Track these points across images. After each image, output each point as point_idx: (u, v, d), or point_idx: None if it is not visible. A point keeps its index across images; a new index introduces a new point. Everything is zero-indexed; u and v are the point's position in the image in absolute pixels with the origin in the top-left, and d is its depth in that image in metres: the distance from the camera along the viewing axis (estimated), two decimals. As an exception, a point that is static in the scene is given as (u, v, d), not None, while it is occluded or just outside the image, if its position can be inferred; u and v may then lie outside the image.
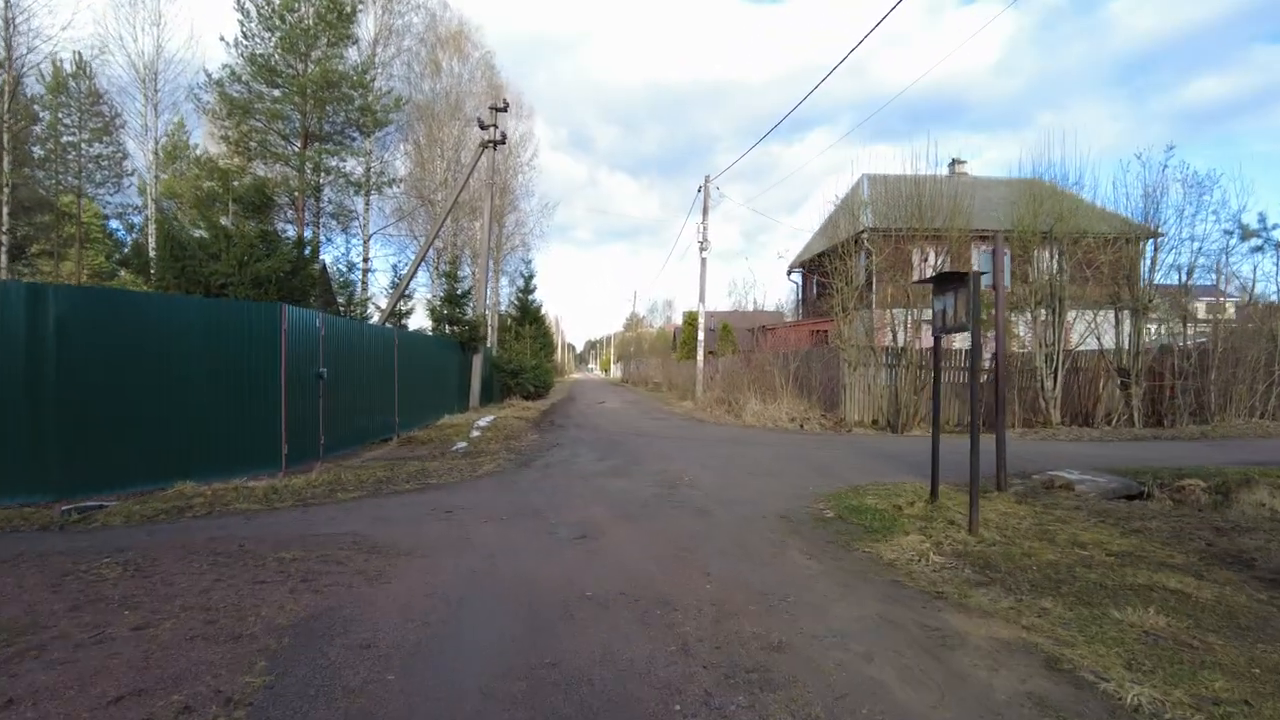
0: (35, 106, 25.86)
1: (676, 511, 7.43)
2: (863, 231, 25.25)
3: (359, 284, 30.44)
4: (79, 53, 26.00)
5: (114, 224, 29.77)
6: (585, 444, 13.99)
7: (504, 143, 24.22)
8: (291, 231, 24.08)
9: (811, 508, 7.60)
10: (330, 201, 27.17)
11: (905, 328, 19.29)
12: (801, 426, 17.76)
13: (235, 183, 21.05)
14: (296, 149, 23.17)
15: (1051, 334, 17.47)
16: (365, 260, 31.10)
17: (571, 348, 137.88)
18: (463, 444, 14.47)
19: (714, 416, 20.85)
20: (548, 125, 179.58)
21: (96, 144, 25.99)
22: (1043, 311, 17.67)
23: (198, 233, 18.43)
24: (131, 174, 26.86)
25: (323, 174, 24.39)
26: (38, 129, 25.17)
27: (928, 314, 18.92)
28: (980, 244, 21.78)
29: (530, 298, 47.18)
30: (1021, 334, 19.59)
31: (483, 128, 23.78)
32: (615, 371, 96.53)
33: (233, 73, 22.42)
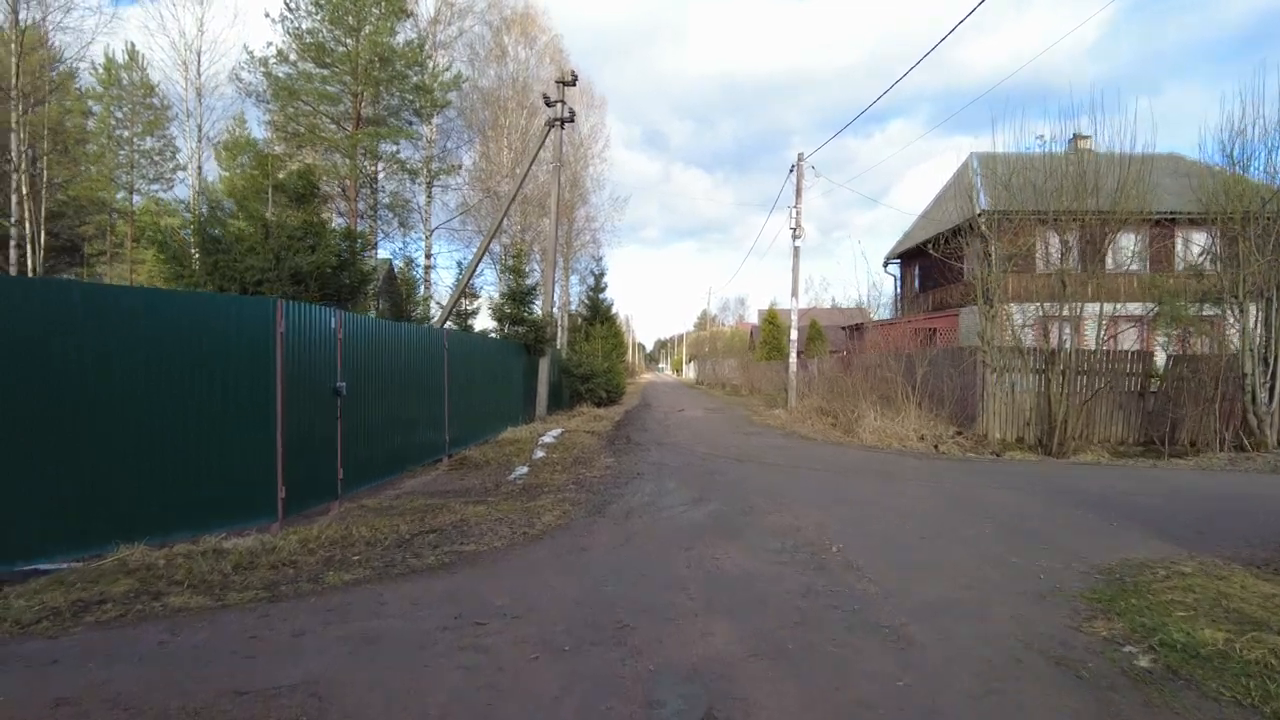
0: (88, 100, 24.64)
1: (850, 635, 4.48)
2: (980, 214, 21.80)
3: (420, 282, 28.47)
4: (131, 43, 24.68)
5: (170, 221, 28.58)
6: (672, 473, 11.14)
7: (572, 120, 21.63)
8: (343, 225, 22.11)
9: (1087, 632, 4.50)
10: (387, 192, 25.15)
11: (1058, 325, 15.83)
12: (936, 448, 14.51)
13: (281, 173, 19.19)
14: (347, 133, 21.14)
15: (1267, 332, 13.70)
16: (428, 257, 29.10)
17: (641, 347, 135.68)
18: (523, 469, 11.84)
19: (818, 431, 17.71)
20: (620, 123, 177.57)
21: (149, 138, 24.71)
22: (1253, 306, 13.92)
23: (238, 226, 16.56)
24: (184, 168, 25.56)
25: (377, 161, 22.31)
26: (89, 124, 23.89)
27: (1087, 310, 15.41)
28: (1142, 227, 18.02)
29: (601, 296, 44.66)
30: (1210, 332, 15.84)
31: (549, 104, 21.25)
32: (688, 372, 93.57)
33: (279, 52, 20.55)
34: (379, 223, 25.20)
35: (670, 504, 8.70)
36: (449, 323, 21.10)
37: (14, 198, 16.49)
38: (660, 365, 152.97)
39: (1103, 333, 15.62)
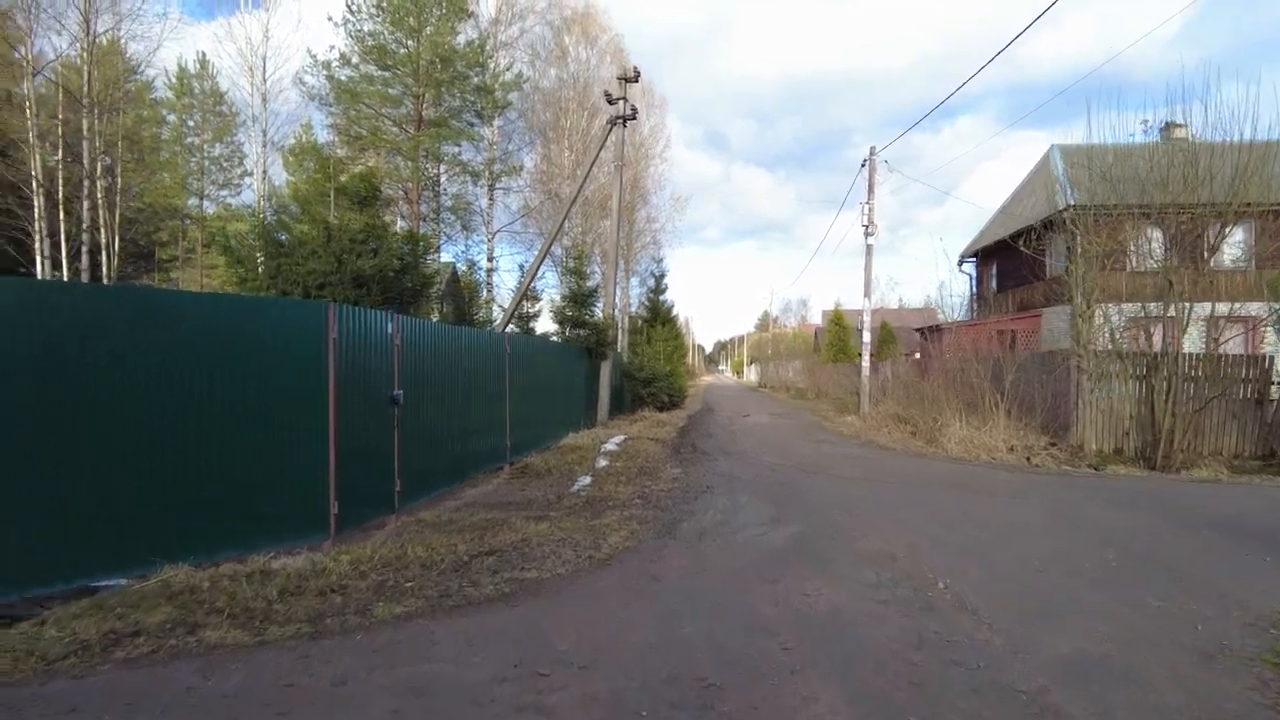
0: (162, 110, 25.23)
1: (983, 705, 3.71)
2: (1066, 209, 20.43)
3: (483, 285, 28.35)
4: (202, 52, 25.18)
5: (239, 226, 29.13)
6: (744, 487, 10.43)
7: (634, 117, 21.10)
8: (406, 228, 22.01)
9: None
10: (449, 195, 25.04)
11: (1160, 327, 14.54)
12: (1028, 460, 13.42)
13: (344, 176, 19.20)
14: (409, 135, 21.04)
15: None
16: (490, 260, 28.96)
17: (701, 349, 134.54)
18: (585, 480, 11.30)
19: (897, 440, 16.72)
20: (681, 123, 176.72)
21: (218, 144, 25.21)
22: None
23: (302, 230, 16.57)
24: (251, 173, 26.03)
25: (439, 163, 22.18)
26: (163, 132, 24.45)
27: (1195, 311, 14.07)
28: (1263, 218, 16.48)
29: (661, 298, 44.02)
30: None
31: (611, 101, 20.78)
32: (749, 374, 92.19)
33: (342, 55, 20.58)
34: (441, 226, 25.11)
35: (746, 524, 8.00)
36: (510, 326, 20.79)
37: (86, 203, 16.76)
38: (720, 367, 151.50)
39: (1212, 335, 14.28)
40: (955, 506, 9.14)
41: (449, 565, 6.24)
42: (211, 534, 6.22)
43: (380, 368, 8.07)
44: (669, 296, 39.12)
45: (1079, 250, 15.44)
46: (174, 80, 25.18)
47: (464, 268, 25.09)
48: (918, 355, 35.23)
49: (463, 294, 24.15)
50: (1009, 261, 26.88)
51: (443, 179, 23.52)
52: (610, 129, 20.76)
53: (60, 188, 16.80)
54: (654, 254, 44.55)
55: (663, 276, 45.44)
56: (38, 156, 16.42)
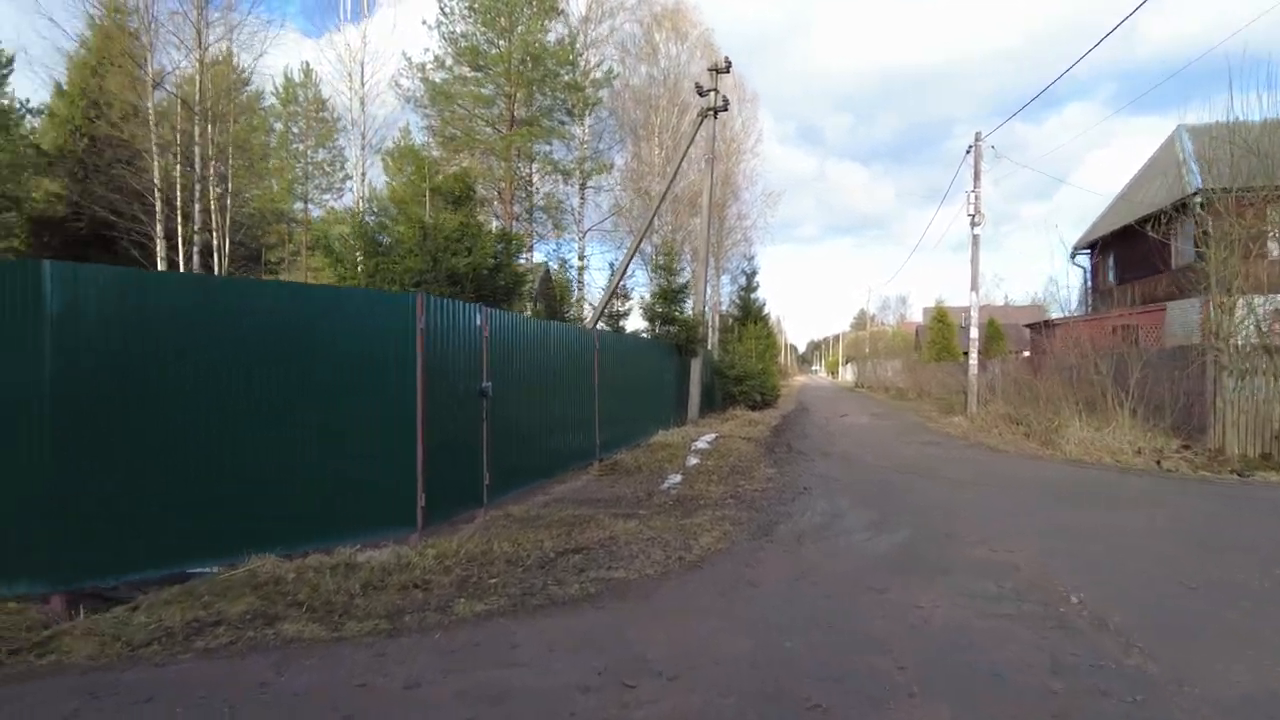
0: (270, 118, 26.45)
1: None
2: (1196, 193, 18.70)
3: (574, 283, 28.45)
4: (306, 62, 26.27)
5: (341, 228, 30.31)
6: (844, 490, 9.82)
7: (726, 109, 20.60)
8: (499, 227, 22.25)
9: None
10: (541, 194, 25.19)
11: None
12: (1159, 464, 12.20)
13: (439, 176, 19.55)
14: (502, 134, 21.25)
15: None
16: (581, 259, 29.02)
17: (794, 348, 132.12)
18: (676, 478, 10.94)
19: (1008, 442, 15.61)
20: (774, 120, 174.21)
21: (320, 150, 26.28)
22: None
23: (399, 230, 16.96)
24: (352, 177, 26.95)
25: (531, 162, 22.32)
26: (271, 140, 25.63)
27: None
28: None
29: (753, 296, 43.18)
30: None
31: (701, 93, 20.36)
32: (845, 374, 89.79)
33: (436, 58, 20.99)
34: (534, 225, 25.27)
35: (848, 528, 7.45)
36: (600, 324, 20.68)
37: (197, 206, 17.62)
38: (814, 367, 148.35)
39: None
40: (1080, 512, 8.28)
41: (534, 562, 5.99)
42: (299, 525, 6.18)
43: (468, 360, 7.94)
44: (760, 294, 38.35)
45: (1216, 235, 14.00)
46: (280, 89, 26.43)
47: (555, 266, 25.20)
48: (1027, 353, 33.21)
49: (554, 292, 24.26)
50: (1128, 252, 24.92)
51: (535, 178, 23.66)
52: (701, 121, 20.34)
53: (179, 194, 17.71)
54: (745, 251, 43.80)
55: (754, 274, 44.58)
56: (157, 165, 17.38)
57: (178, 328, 5.56)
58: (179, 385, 5.55)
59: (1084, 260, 31.90)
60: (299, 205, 26.26)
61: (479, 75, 21.04)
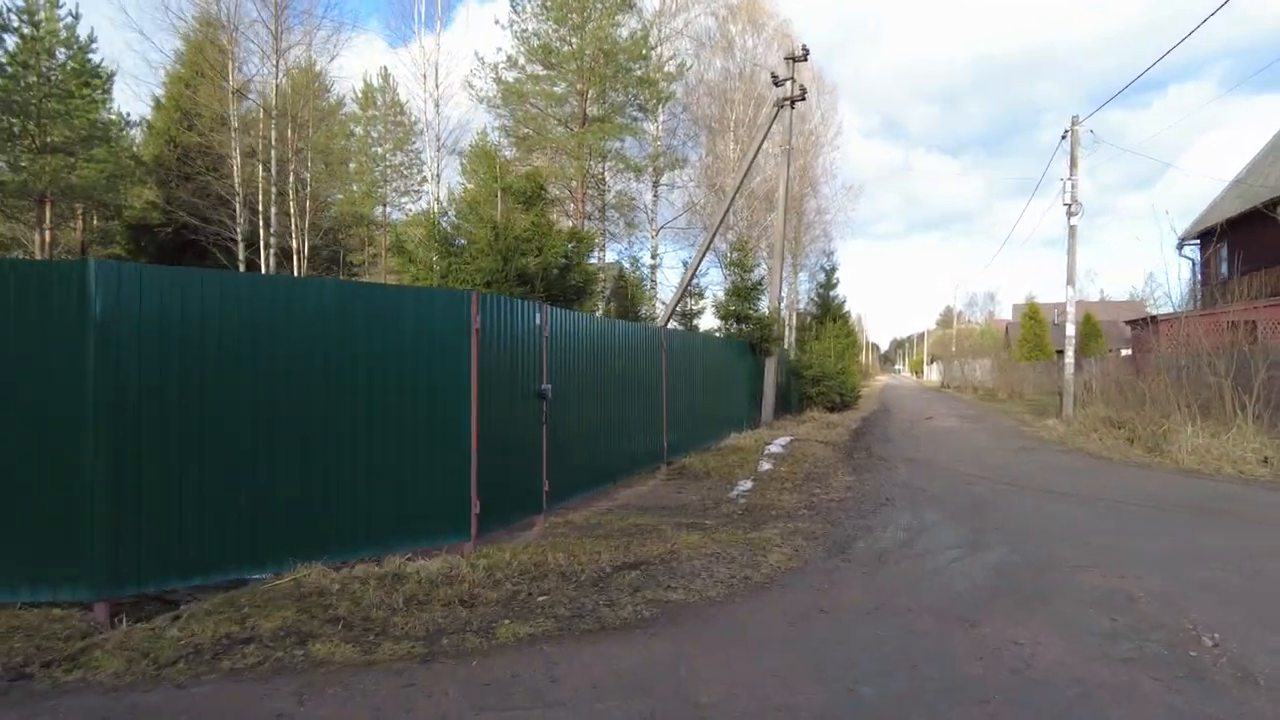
0: (350, 123, 27.03)
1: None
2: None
3: (647, 282, 28.13)
4: (384, 66, 26.74)
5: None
6: (931, 501, 9.08)
7: (803, 98, 19.82)
8: (571, 226, 22.06)
9: None
10: (614, 192, 24.93)
11: None
12: (1292, 476, 10.94)
13: (510, 176, 19.54)
14: (574, 131, 21.06)
15: None
16: (653, 257, 28.65)
17: (875, 348, 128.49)
18: (746, 484, 10.41)
19: (1110, 448, 14.39)
20: (855, 113, 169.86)
21: (398, 153, 26.72)
22: None
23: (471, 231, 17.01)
24: (429, 179, 27.34)
25: (603, 160, 22.05)
26: (350, 144, 26.20)
27: None
28: None
29: (832, 293, 41.90)
30: None
31: (777, 83, 19.65)
32: (930, 374, 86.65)
33: (508, 57, 20.95)
34: (606, 223, 25.02)
35: (935, 546, 6.77)
36: (672, 322, 20.24)
37: (274, 209, 18.02)
38: (897, 367, 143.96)
39: None
40: (1204, 532, 7.35)
41: (588, 578, 5.59)
42: (351, 532, 5.95)
43: (527, 360, 7.61)
44: (840, 291, 37.22)
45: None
46: (359, 95, 27.03)
47: (627, 264, 24.91)
48: (1126, 351, 31.05)
49: (626, 292, 23.97)
50: (1249, 240, 22.84)
51: (607, 176, 23.40)
52: (777, 112, 19.63)
53: (260, 198, 18.18)
54: (824, 247, 42.56)
55: (833, 270, 43.32)
56: (238, 170, 17.87)
57: (226, 328, 5.40)
58: (228, 387, 5.38)
59: (1192, 252, 29.56)
60: (378, 209, 26.79)
61: (550, 73, 20.90)
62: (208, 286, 5.41)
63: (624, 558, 6.13)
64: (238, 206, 17.72)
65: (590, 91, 21.71)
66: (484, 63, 20.98)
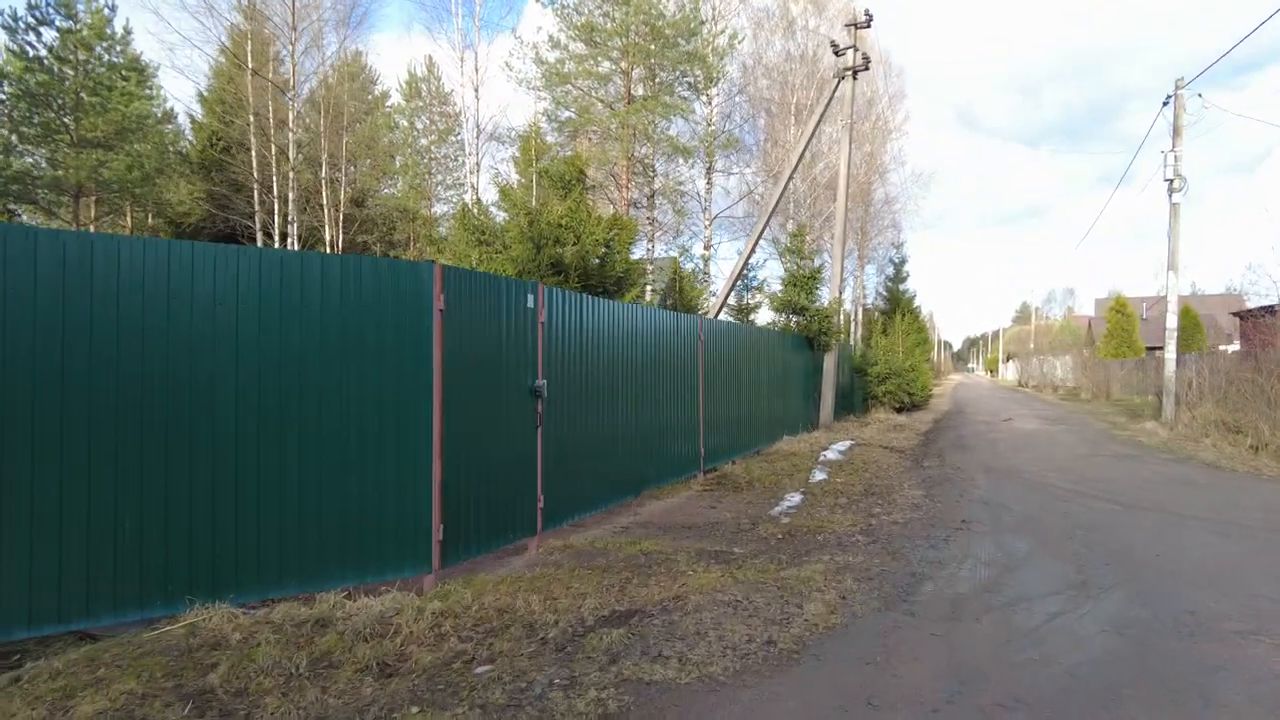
0: (396, 116, 26.36)
1: None
2: None
3: (700, 274, 26.70)
4: (429, 55, 25.97)
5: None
6: (1017, 523, 7.41)
7: (866, 69, 18.06)
8: (615, 213, 20.75)
9: None
10: (665, 177, 23.49)
11: None
12: None
13: (548, 159, 18.41)
14: (619, 110, 19.74)
15: None
16: (706, 248, 27.14)
17: (948, 345, 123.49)
18: (794, 498, 8.90)
19: (1228, 456, 12.25)
20: (926, 102, 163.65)
21: (443, 145, 25.92)
22: None
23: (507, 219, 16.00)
24: (474, 171, 26.38)
25: (650, 143, 20.66)
26: (395, 136, 25.48)
27: None
28: None
29: (901, 288, 39.66)
30: None
31: (837, 53, 17.94)
32: (1005, 372, 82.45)
33: (550, 37, 19.75)
34: (655, 211, 23.63)
35: (1029, 591, 5.16)
36: (724, 314, 18.74)
37: (291, 197, 17.29)
38: (970, 365, 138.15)
39: None
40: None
41: (558, 636, 4.23)
42: (275, 563, 4.74)
43: (515, 350, 6.30)
44: (910, 285, 35.15)
45: None
46: (404, 85, 26.31)
47: (677, 254, 23.50)
48: (1231, 346, 28.04)
49: (677, 285, 22.59)
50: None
51: (655, 161, 22.00)
52: (838, 84, 17.90)
53: (287, 190, 17.47)
54: (893, 239, 40.48)
55: (903, 263, 41.09)
56: (260, 161, 17.17)
57: (103, 302, 4.25)
58: (98, 376, 4.23)
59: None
60: (424, 203, 26.03)
61: (593, 51, 19.60)
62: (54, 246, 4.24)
63: (615, 603, 4.75)
64: (276, 201, 17.04)
65: (636, 70, 20.35)
66: (523, 42, 19.86)
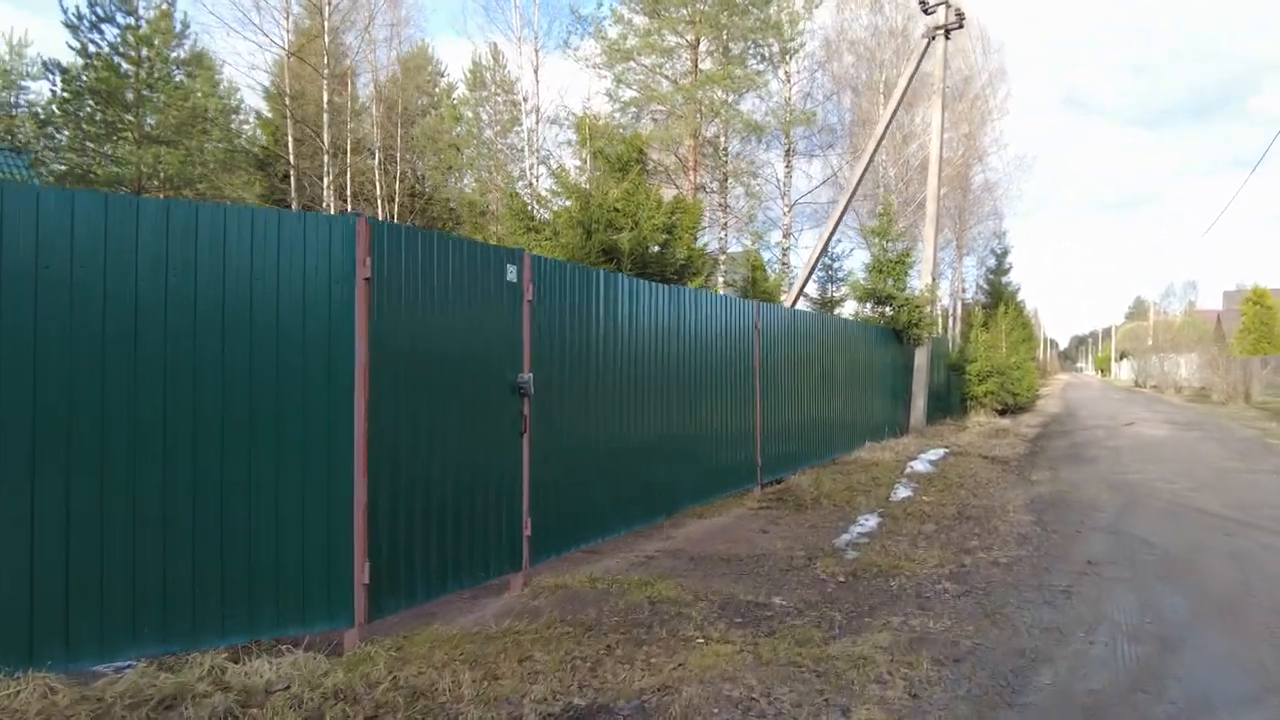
0: (463, 108, 25.72)
1: None
2: None
3: (778, 264, 24.95)
4: (494, 43, 25.20)
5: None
6: (1163, 564, 5.54)
7: (960, 26, 15.95)
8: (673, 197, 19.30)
9: None
10: (740, 157, 21.88)
11: None
12: None
13: (603, 139, 17.19)
14: (685, 84, 18.29)
15: None
16: (785, 236, 25.32)
17: (1054, 344, 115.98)
18: (868, 521, 7.25)
19: None
20: (1034, 84, 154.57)
21: (509, 134, 25.06)
22: None
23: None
24: (544, 162, 25.56)
25: (719, 118, 19.10)
26: (459, 130, 24.83)
27: None
28: None
29: (1004, 279, 36.64)
30: None
31: (927, 10, 15.92)
32: (1119, 371, 76.32)
33: (613, 12, 18.53)
34: (727, 197, 22.02)
35: (1205, 690, 3.42)
36: (802, 304, 16.98)
37: (343, 187, 16.64)
38: (1079, 365, 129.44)
39: None
40: None
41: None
42: (125, 613, 3.53)
43: (491, 337, 4.93)
44: (1013, 278, 32.28)
45: None
46: (468, 74, 25.64)
47: (750, 243, 21.84)
48: None
49: (751, 274, 20.93)
50: None
51: (728, 142, 20.43)
52: (928, 44, 15.89)
53: (347, 181, 16.84)
54: (994, 228, 37.49)
55: (1005, 253, 38.15)
56: (326, 153, 16.60)
57: None
58: None
59: None
60: (489, 196, 25.40)
61: (657, 23, 18.23)
62: None
63: (574, 692, 3.30)
64: (347, 190, 16.50)
65: (703, 42, 18.83)
66: (580, 16, 18.70)
